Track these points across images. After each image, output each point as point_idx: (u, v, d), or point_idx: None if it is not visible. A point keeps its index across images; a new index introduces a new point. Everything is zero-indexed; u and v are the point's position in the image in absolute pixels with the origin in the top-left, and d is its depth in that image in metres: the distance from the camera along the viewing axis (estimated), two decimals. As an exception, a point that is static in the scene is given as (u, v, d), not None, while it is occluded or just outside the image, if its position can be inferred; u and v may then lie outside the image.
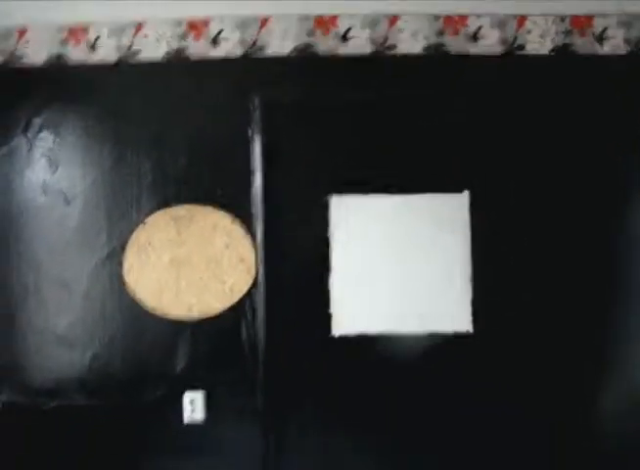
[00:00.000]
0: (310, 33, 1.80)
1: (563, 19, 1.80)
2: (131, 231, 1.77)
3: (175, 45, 1.81)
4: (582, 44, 1.81)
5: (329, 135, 1.78)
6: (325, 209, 1.76)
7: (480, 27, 1.80)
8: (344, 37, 1.80)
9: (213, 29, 1.81)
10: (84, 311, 1.78)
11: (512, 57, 1.81)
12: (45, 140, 1.81)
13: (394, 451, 1.78)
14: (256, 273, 1.75)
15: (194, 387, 1.76)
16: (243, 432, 1.76)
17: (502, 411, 1.74)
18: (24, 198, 1.81)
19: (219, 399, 1.76)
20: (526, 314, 1.77)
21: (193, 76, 1.81)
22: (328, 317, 1.76)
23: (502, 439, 1.75)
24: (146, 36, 1.81)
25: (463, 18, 1.80)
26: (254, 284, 1.75)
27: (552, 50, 1.80)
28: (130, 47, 1.81)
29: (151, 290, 1.75)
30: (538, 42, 1.81)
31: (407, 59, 1.80)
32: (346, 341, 1.75)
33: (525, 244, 1.77)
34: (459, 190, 1.77)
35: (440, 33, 1.80)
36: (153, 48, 1.81)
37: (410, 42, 1.80)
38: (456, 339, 1.75)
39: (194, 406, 1.74)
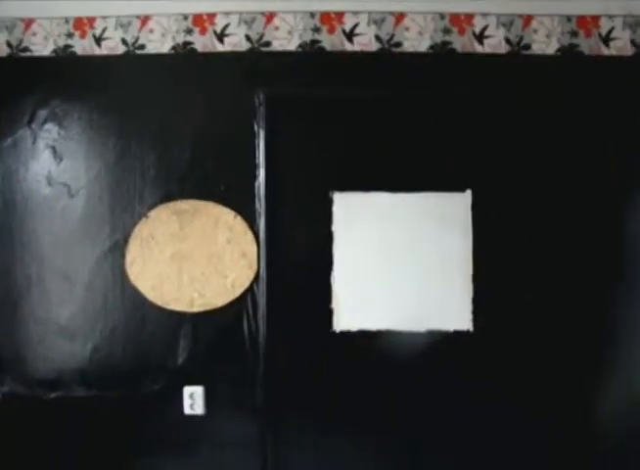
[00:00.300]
0: (316, 30, 1.80)
1: (569, 19, 1.80)
2: (134, 224, 1.78)
3: (181, 39, 1.81)
4: (588, 45, 1.81)
5: (334, 132, 1.78)
6: (328, 205, 1.76)
7: (486, 27, 1.80)
8: (351, 34, 1.80)
9: (219, 24, 1.81)
10: (86, 303, 1.79)
11: (517, 56, 1.81)
12: (50, 132, 1.81)
13: (393, 448, 1.79)
14: (258, 268, 1.76)
15: (194, 380, 1.76)
16: (242, 427, 1.77)
17: (501, 410, 1.75)
18: (29, 189, 1.81)
19: (219, 393, 1.77)
20: (527, 314, 1.77)
21: (198, 71, 1.81)
22: (329, 313, 1.76)
23: (501, 437, 1.75)
24: (152, 31, 1.81)
25: (469, 17, 1.80)
26: (256, 279, 1.76)
27: (558, 50, 1.80)
28: (136, 40, 1.81)
29: (153, 283, 1.76)
30: (544, 42, 1.81)
31: (413, 57, 1.80)
32: (348, 337, 1.76)
33: (526, 243, 1.78)
34: (462, 189, 1.77)
35: (447, 32, 1.80)
36: (159, 42, 1.81)
37: (416, 40, 1.80)
38: (456, 337, 1.76)
39: (194, 400, 1.75)
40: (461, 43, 1.80)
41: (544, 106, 1.79)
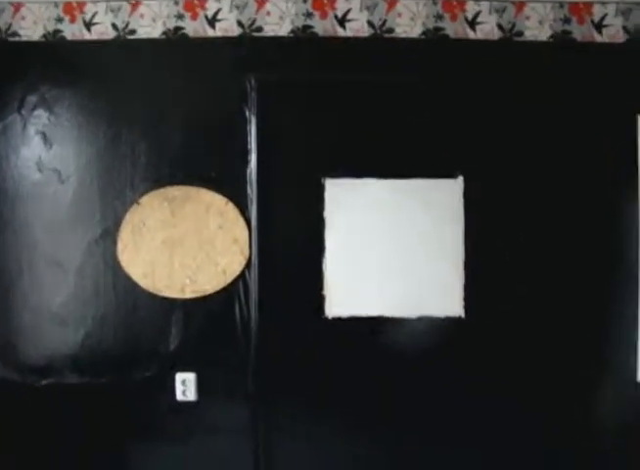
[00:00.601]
0: (309, 15, 1.79)
1: (562, 5, 1.80)
2: (125, 211, 1.77)
3: (172, 24, 1.80)
4: (581, 32, 1.81)
5: (325, 117, 1.77)
6: (320, 191, 1.76)
7: (478, 13, 1.80)
8: (343, 20, 1.79)
9: (211, 9, 1.79)
10: (77, 290, 1.78)
11: (510, 43, 1.80)
12: (40, 118, 1.80)
13: (385, 434, 1.80)
14: (250, 254, 1.76)
15: (186, 367, 1.77)
16: (234, 413, 1.78)
17: (493, 395, 1.77)
18: (19, 175, 1.80)
19: (211, 379, 1.77)
20: (517, 300, 1.78)
21: (189, 56, 1.80)
22: (321, 299, 1.77)
23: (492, 423, 1.77)
24: (142, 16, 1.79)
25: (461, 3, 1.80)
26: (248, 265, 1.76)
27: (550, 37, 1.80)
28: (127, 25, 1.80)
29: (144, 270, 1.75)
30: (537, 29, 1.80)
31: (405, 42, 1.80)
32: (339, 323, 1.76)
33: (518, 231, 1.78)
34: (454, 175, 1.77)
35: (439, 18, 1.79)
36: (149, 27, 1.79)
37: (409, 26, 1.79)
38: (447, 323, 1.77)
39: (186, 386, 1.75)
40: (453, 29, 1.79)
41: (537, 93, 1.79)
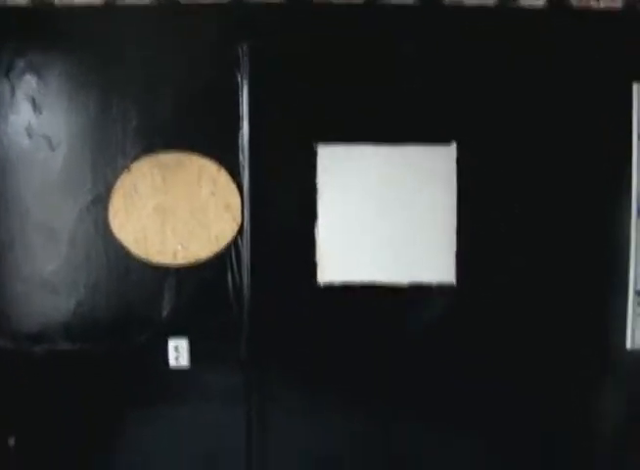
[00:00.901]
0: (301, -20, 1.76)
1: (558, -30, 1.78)
2: (116, 177, 1.76)
3: (163, -11, 1.77)
4: (577, -3, 1.79)
5: (318, 83, 1.75)
6: (312, 157, 1.75)
7: (473, -22, 1.77)
8: (336, -16, 1.76)
9: (203, -27, 1.76)
10: (69, 257, 1.78)
11: (506, 9, 1.78)
12: (29, 83, 1.77)
13: (378, 400, 1.81)
14: (242, 221, 1.75)
15: (178, 333, 1.77)
16: (227, 379, 1.78)
17: (485, 365, 1.78)
18: (9, 141, 1.78)
19: (204, 346, 1.77)
20: (510, 269, 1.78)
21: (181, 22, 1.77)
22: (313, 266, 1.76)
23: (486, 393, 1.79)
24: (133, -21, 1.76)
25: (457, -33, 1.77)
26: (240, 232, 1.75)
27: (546, 2, 1.78)
28: (117, -11, 1.77)
29: (136, 236, 1.75)
30: (532, -6, 1.78)
31: (400, 8, 1.77)
32: (331, 289, 1.77)
33: (511, 198, 1.78)
34: (447, 142, 1.76)
35: (434, -17, 1.77)
36: (139, -9, 1.77)
37: (403, -9, 1.77)
38: (439, 290, 1.77)
39: (178, 353, 1.76)
40: (448, -6, 1.77)
41: (533, 59, 1.77)
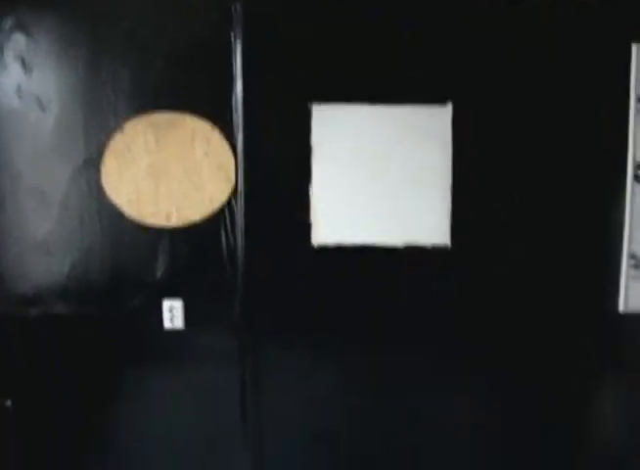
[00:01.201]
0: (296, -64, 1.72)
1: None
2: (109, 138, 1.73)
3: (154, -56, 1.73)
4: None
5: (312, 43, 1.73)
6: (307, 117, 1.73)
7: None
8: (332, -59, 1.73)
9: None
10: (62, 219, 1.76)
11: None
12: (18, 42, 1.73)
13: (373, 363, 1.82)
14: (236, 182, 1.74)
15: (173, 295, 1.77)
16: (221, 341, 1.79)
17: (478, 321, 1.80)
18: (-1, 102, 1.76)
19: (198, 307, 1.78)
20: (504, 231, 1.78)
21: (173, -20, 1.74)
22: (307, 227, 1.76)
23: (480, 346, 1.81)
24: None
25: None
26: (234, 193, 1.74)
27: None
28: (106, -56, 1.72)
29: (129, 198, 1.73)
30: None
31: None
32: (326, 250, 1.76)
33: (506, 160, 1.77)
34: (443, 102, 1.74)
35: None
36: (130, -54, 1.72)
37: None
38: (434, 251, 1.77)
39: (173, 314, 1.76)
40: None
41: (531, 22, 1.74)
